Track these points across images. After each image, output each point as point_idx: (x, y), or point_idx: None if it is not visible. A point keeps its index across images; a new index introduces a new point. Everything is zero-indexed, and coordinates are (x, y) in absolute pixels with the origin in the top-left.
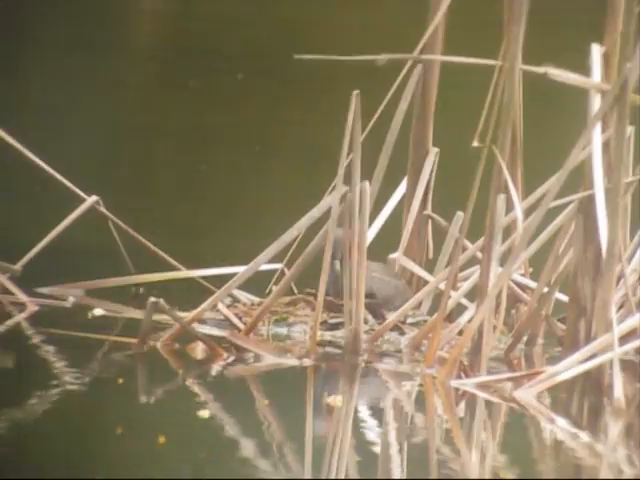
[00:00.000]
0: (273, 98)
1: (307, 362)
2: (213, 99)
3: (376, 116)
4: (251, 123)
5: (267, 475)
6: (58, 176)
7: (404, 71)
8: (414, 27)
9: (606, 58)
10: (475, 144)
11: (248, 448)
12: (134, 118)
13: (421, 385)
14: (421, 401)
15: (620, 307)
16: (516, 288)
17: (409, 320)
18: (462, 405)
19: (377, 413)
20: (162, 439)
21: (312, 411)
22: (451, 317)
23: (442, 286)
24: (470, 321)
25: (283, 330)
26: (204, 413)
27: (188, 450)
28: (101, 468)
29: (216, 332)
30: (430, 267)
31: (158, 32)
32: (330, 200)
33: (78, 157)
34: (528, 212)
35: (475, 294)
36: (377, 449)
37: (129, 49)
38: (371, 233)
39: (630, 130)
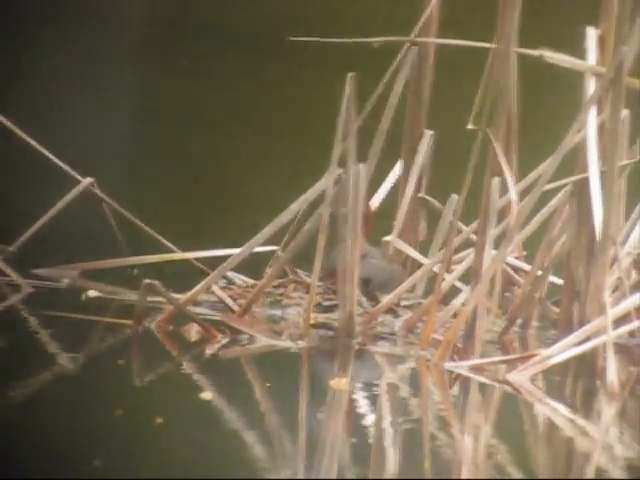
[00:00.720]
0: (267, 80)
1: (301, 344)
2: (207, 79)
3: (372, 99)
4: (246, 105)
5: (264, 459)
6: (53, 158)
7: (401, 54)
8: (409, 10)
9: (601, 41)
10: (470, 127)
11: (245, 431)
12: (126, 100)
13: (415, 368)
14: (415, 383)
15: (614, 290)
16: (510, 271)
17: (403, 303)
18: (456, 388)
19: (371, 396)
20: (159, 420)
21: (307, 392)
22: (445, 300)
23: (436, 269)
24: (464, 304)
25: (277, 312)
26: (206, 395)
27: (186, 431)
28: (99, 450)
29: (211, 314)
30: (424, 250)
31: (155, 13)
32: (324, 182)
33: (75, 140)
34: (522, 195)
35: (469, 277)
36: (371, 432)
37: (126, 29)
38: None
39: (625, 113)
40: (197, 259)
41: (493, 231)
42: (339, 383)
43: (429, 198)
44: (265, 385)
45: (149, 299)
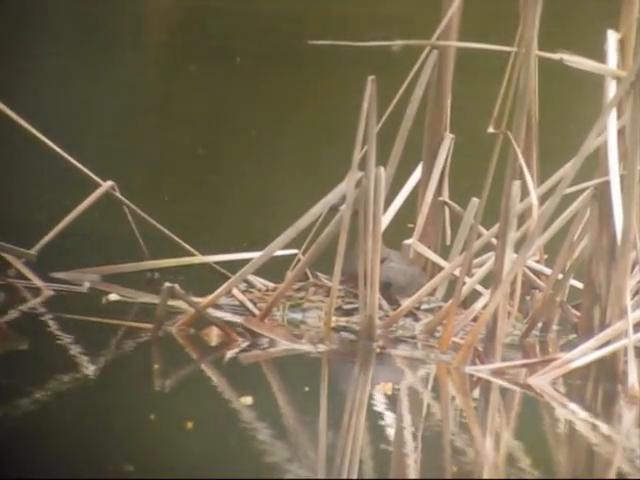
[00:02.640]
0: (287, 85)
1: (322, 348)
2: (226, 82)
3: (394, 103)
4: (266, 107)
5: (283, 463)
6: (74, 161)
7: (422, 57)
8: (429, 14)
9: (622, 44)
10: (490, 130)
11: (265, 434)
12: (142, 103)
13: (435, 371)
14: (435, 387)
15: (635, 294)
16: (531, 274)
17: (424, 306)
18: (476, 391)
19: (391, 399)
20: (189, 424)
21: (325, 397)
22: (466, 303)
23: (457, 272)
24: (485, 307)
25: (298, 316)
26: (246, 400)
27: (216, 435)
28: (120, 453)
29: (231, 317)
30: (445, 253)
31: (170, 14)
32: (345, 186)
33: (94, 143)
34: (543, 198)
35: (490, 280)
36: (391, 436)
37: (141, 32)
38: (386, 219)
39: None
40: (217, 263)
41: (514, 235)
42: (385, 388)
43: (450, 201)
44: (294, 389)
45: (169, 303)
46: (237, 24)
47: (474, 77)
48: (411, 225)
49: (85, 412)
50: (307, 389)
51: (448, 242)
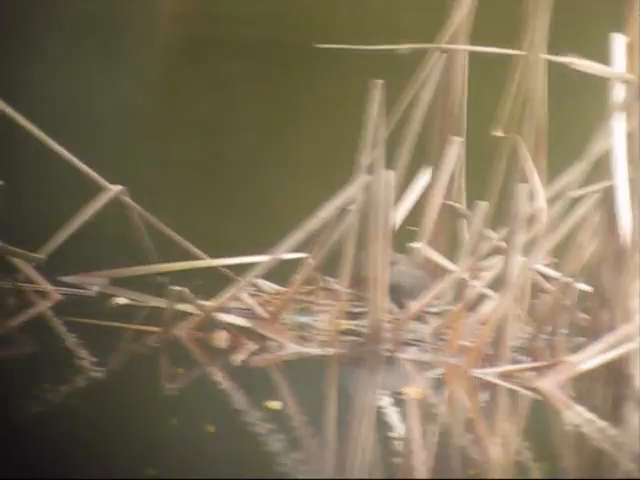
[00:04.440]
0: (291, 89)
1: (330, 351)
2: (234, 86)
3: (403, 107)
4: (273, 112)
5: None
6: (83, 166)
7: (433, 61)
8: (437, 16)
9: (629, 48)
10: (498, 134)
11: (276, 437)
12: (152, 109)
13: (444, 374)
14: (444, 390)
15: None
16: (539, 278)
17: (432, 310)
18: (485, 394)
19: (400, 402)
20: (210, 428)
21: (334, 399)
22: (474, 307)
23: (465, 276)
24: (493, 311)
25: (306, 319)
26: (273, 404)
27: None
28: (130, 455)
29: (240, 321)
30: (453, 257)
31: (173, 17)
32: (353, 189)
33: (102, 147)
34: (551, 202)
35: (498, 284)
36: (400, 439)
37: (148, 37)
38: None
39: None
40: (225, 266)
41: (522, 238)
42: (415, 392)
43: (457, 205)
44: (297, 393)
45: (178, 306)
46: (239, 28)
47: (483, 79)
48: (411, 228)
49: (94, 415)
50: (316, 392)
51: (454, 245)
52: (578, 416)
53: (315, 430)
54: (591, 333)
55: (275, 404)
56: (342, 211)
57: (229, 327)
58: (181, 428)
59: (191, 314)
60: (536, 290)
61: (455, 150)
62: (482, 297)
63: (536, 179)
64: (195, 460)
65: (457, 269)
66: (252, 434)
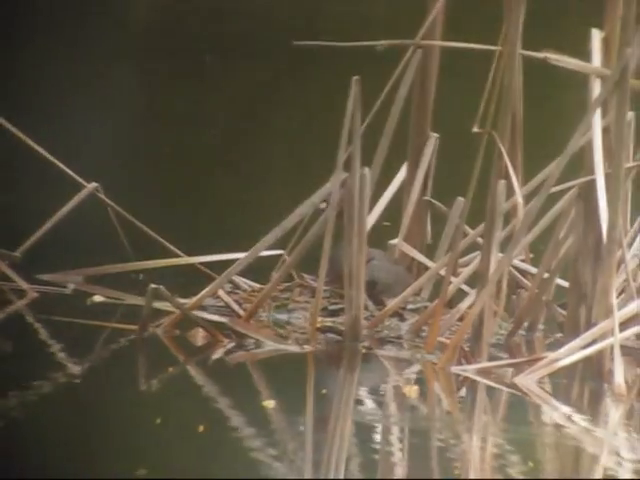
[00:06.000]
0: (271, 85)
1: (307, 348)
2: (210, 83)
3: (378, 103)
4: (249, 108)
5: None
6: (58, 163)
7: (407, 57)
8: (413, 14)
9: (606, 43)
10: (475, 130)
11: (250, 433)
12: (127, 103)
13: (422, 371)
14: (422, 387)
15: (620, 293)
16: (517, 274)
17: (409, 306)
18: (463, 391)
19: (377, 399)
20: (200, 428)
21: (312, 398)
22: (452, 303)
23: (442, 272)
24: (471, 307)
25: (283, 316)
26: (269, 403)
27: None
28: (102, 453)
29: (217, 318)
30: (430, 253)
31: (151, 14)
32: (330, 186)
33: (78, 144)
34: (528, 198)
35: (475, 280)
36: (377, 436)
37: (129, 31)
38: (371, 219)
39: (630, 115)
40: (202, 264)
41: (499, 234)
42: (411, 390)
43: (435, 201)
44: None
45: (155, 304)
46: (220, 24)
47: (458, 76)
48: (387, 223)
49: (69, 413)
50: (293, 390)
51: (429, 241)
52: (557, 412)
53: (293, 428)
54: (569, 329)
55: (270, 403)
56: (319, 208)
57: (206, 325)
58: (167, 427)
59: (168, 312)
60: (514, 286)
61: (432, 146)
62: (460, 293)
63: (513, 175)
64: (182, 459)
65: (434, 265)
66: (234, 432)
